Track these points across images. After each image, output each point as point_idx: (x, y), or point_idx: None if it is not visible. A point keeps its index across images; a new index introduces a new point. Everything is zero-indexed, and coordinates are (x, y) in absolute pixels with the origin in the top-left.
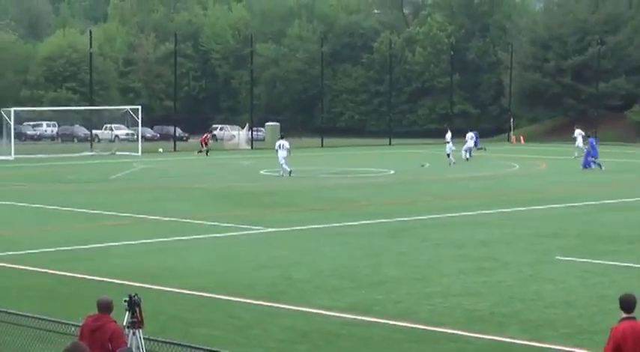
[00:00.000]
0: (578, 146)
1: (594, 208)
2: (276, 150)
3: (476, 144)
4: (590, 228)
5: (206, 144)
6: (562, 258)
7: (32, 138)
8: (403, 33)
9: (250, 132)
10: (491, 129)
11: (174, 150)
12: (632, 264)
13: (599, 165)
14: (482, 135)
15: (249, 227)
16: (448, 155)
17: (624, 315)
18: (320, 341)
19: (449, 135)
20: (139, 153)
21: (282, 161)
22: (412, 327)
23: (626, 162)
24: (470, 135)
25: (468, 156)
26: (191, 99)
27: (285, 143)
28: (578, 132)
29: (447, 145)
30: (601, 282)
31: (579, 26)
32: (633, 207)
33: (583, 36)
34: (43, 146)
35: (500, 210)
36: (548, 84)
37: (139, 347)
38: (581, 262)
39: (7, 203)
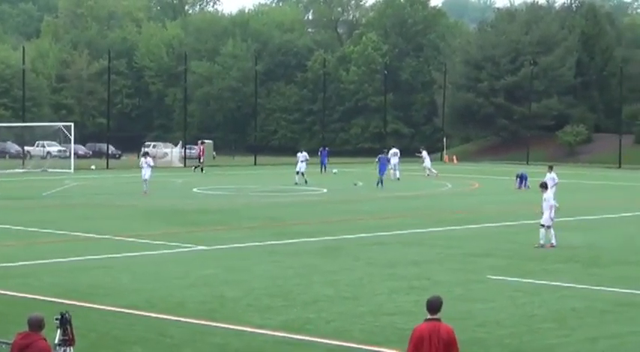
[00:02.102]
0: (426, 166)
1: (526, 228)
2: (142, 168)
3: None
4: (522, 247)
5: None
6: (493, 278)
7: None
8: (337, 52)
9: (183, 150)
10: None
11: (107, 167)
12: (562, 283)
13: (381, 183)
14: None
15: (180, 245)
16: (299, 172)
17: (428, 316)
18: None
19: (304, 154)
20: (72, 170)
21: (148, 179)
22: (344, 346)
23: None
24: (301, 155)
25: (397, 176)
26: (124, 116)
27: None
28: (425, 154)
29: (302, 164)
30: (531, 302)
31: (512, 47)
32: (563, 226)
33: (516, 56)
34: None
35: (432, 230)
36: (481, 104)
37: None
38: (512, 281)
39: None
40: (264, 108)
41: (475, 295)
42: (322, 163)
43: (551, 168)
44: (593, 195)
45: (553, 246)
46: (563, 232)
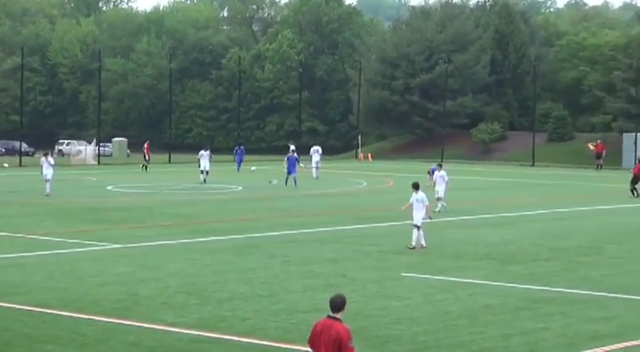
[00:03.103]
0: (316, 162)
1: (440, 225)
2: (42, 167)
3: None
4: (436, 244)
5: (147, 155)
6: (408, 275)
7: None
8: (252, 49)
9: (97, 148)
10: (340, 146)
11: (20, 165)
12: (476, 281)
13: (294, 181)
14: (331, 151)
15: (94, 243)
16: (203, 171)
17: (329, 314)
18: None
19: (208, 152)
20: None
21: (50, 179)
22: (258, 344)
23: (471, 179)
24: (206, 153)
25: (316, 175)
26: (37, 113)
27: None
28: (315, 150)
29: (206, 162)
30: (445, 299)
31: (427, 45)
32: (477, 224)
33: (430, 55)
34: None
35: (347, 227)
36: (396, 102)
37: None
38: (427, 279)
39: None
40: (179, 106)
41: (390, 292)
42: (238, 161)
43: (440, 166)
44: (507, 193)
45: (423, 247)
46: (479, 229)
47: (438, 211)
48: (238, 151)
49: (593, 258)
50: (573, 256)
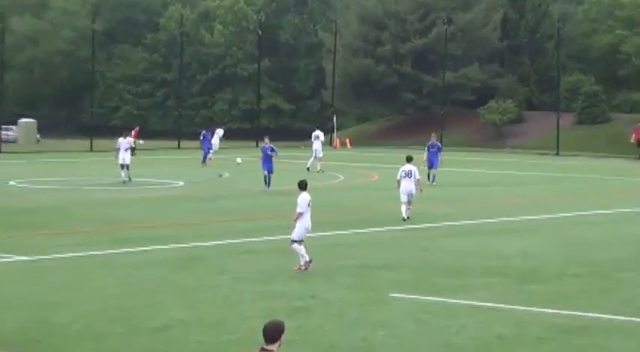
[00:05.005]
0: (315, 151)
1: (437, 232)
2: None
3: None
4: (433, 256)
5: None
6: (397, 296)
7: None
8: (198, 7)
9: None
10: (309, 129)
11: None
12: (485, 304)
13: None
14: (298, 136)
15: None
16: (124, 166)
17: (262, 346)
18: None
19: (128, 140)
20: None
21: None
22: None
23: (478, 173)
24: (125, 142)
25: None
26: None
27: None
28: (315, 135)
29: (126, 153)
30: (447, 327)
31: (421, 1)
32: (487, 230)
33: (426, 13)
34: None
35: (317, 234)
36: (382, 73)
37: None
38: (421, 301)
39: None
40: (103, 78)
41: (374, 318)
42: (206, 149)
43: (409, 160)
44: (525, 190)
45: (301, 268)
46: (489, 237)
47: (404, 219)
48: (206, 136)
49: (636, 274)
50: (610, 271)
